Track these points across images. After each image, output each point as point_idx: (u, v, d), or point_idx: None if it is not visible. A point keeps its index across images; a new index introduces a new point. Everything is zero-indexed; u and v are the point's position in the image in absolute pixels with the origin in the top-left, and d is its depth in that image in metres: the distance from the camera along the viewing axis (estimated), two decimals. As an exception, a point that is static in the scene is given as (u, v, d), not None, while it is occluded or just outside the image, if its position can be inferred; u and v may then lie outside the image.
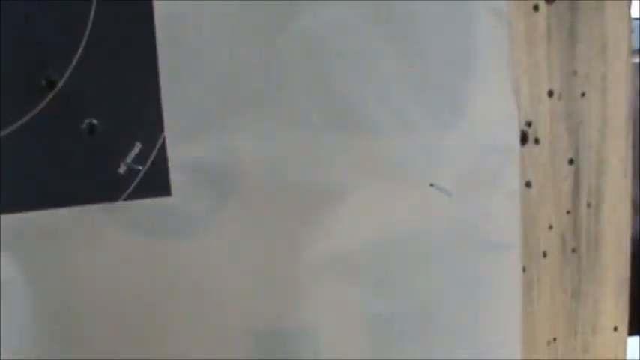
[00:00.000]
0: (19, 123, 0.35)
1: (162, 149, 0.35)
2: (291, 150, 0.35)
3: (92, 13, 0.34)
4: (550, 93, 0.40)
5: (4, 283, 0.35)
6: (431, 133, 0.36)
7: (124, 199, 0.35)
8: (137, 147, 0.35)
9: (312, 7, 0.35)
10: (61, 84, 0.34)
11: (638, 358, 0.37)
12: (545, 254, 0.41)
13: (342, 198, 0.36)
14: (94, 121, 0.35)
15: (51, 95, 0.35)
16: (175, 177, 0.35)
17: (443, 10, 0.36)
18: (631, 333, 0.44)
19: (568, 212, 0.41)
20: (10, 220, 0.35)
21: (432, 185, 0.36)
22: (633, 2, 0.40)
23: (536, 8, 0.39)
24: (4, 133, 0.35)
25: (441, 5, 0.36)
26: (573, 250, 0.41)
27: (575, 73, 0.39)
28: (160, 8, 0.34)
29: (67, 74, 0.34)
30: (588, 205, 0.41)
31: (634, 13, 0.41)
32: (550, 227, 0.41)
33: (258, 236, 0.35)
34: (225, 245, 0.35)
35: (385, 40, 0.35)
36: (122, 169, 0.35)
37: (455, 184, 0.36)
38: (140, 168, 0.35)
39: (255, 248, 0.35)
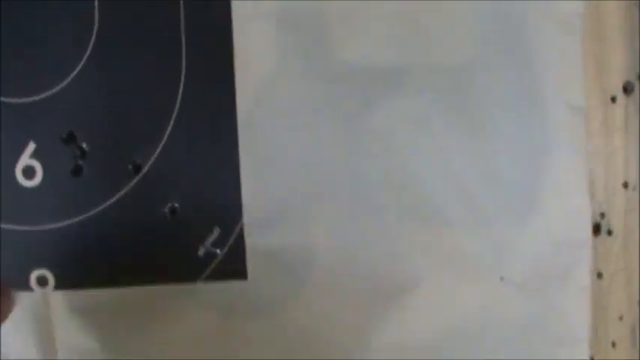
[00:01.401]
0: (105, 205, 0.36)
1: (240, 234, 0.36)
2: (364, 241, 0.36)
3: (178, 100, 0.35)
4: (625, 184, 0.39)
5: (83, 354, 0.37)
6: (504, 227, 0.36)
7: (201, 281, 0.36)
8: (216, 231, 0.36)
9: (386, 103, 0.36)
10: (146, 168, 0.36)
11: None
12: (614, 344, 0.41)
13: (414, 289, 0.36)
14: (176, 205, 0.36)
15: (136, 179, 0.36)
16: (252, 261, 0.36)
17: (518, 104, 0.36)
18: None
19: None
20: (93, 295, 0.36)
21: (502, 279, 0.36)
22: None
23: (613, 100, 0.39)
24: (91, 213, 0.36)
25: (516, 100, 0.36)
26: (643, 340, 0.41)
27: (651, 163, 0.39)
28: (242, 96, 0.35)
29: (152, 159, 0.36)
30: (660, 295, 0.41)
31: None
32: (620, 318, 0.40)
33: (329, 323, 0.36)
34: (297, 330, 0.36)
35: (459, 134, 0.36)
36: (201, 252, 0.36)
37: (526, 278, 0.36)
38: (218, 252, 0.36)
39: (326, 335, 0.36)
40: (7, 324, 0.37)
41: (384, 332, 0.36)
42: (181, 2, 0.35)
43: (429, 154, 0.36)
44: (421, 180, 0.36)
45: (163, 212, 0.36)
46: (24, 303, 0.37)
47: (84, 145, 0.36)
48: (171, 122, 0.36)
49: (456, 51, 0.36)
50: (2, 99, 0.36)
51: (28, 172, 0.36)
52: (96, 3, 0.35)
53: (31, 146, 0.36)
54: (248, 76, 0.35)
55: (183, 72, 0.35)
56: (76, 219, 0.36)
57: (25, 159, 0.36)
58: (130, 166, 0.36)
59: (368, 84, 0.36)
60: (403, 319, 0.36)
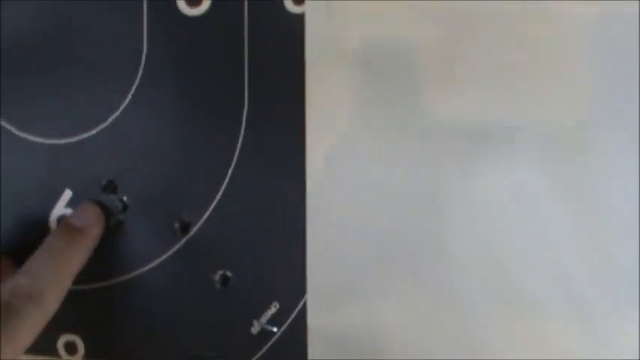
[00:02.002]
0: (147, 267, 0.31)
1: (302, 312, 0.31)
2: (442, 327, 0.31)
3: (237, 151, 0.30)
4: None
5: None
6: (606, 318, 0.31)
7: (254, 362, 0.31)
8: (274, 307, 0.31)
9: (480, 166, 0.30)
10: (195, 229, 0.31)
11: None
12: None
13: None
14: (228, 273, 0.31)
15: (184, 240, 0.31)
16: (313, 343, 0.31)
17: (635, 177, 0.31)
18: None
19: None
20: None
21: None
22: None
23: None
24: (130, 275, 0.31)
25: (634, 172, 0.31)
26: None
27: None
28: (312, 151, 0.30)
29: (203, 218, 0.31)
30: None
31: None
32: None
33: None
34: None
35: (563, 213, 0.30)
36: (255, 329, 0.31)
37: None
38: (275, 330, 0.31)
39: None
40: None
41: None
42: (246, 42, 0.30)
43: (526, 229, 0.30)
44: (513, 259, 0.30)
45: (213, 280, 0.31)
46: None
47: (125, 198, 0.31)
48: (228, 177, 0.30)
49: (568, 109, 0.30)
50: (36, 139, 0.31)
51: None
52: (145, 35, 0.30)
53: (68, 194, 0.31)
54: (321, 128, 0.30)
55: (244, 119, 0.30)
56: (113, 281, 0.32)
57: (61, 208, 0.31)
58: (176, 225, 0.31)
59: (460, 143, 0.30)
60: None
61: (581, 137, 0.30)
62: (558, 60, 0.30)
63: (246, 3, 0.30)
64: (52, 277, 0.29)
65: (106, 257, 0.31)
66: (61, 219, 0.31)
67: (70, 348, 0.32)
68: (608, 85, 0.30)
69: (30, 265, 0.29)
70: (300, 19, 0.30)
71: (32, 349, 0.32)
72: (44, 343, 0.32)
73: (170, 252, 0.31)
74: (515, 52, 0.30)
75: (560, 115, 0.30)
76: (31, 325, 0.27)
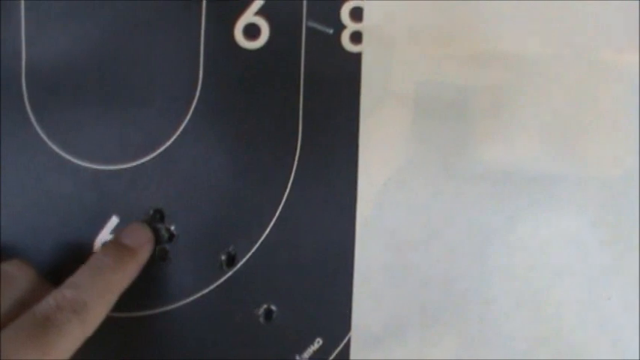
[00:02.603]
0: (190, 298, 0.31)
1: (346, 350, 0.31)
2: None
3: (288, 187, 0.30)
4: None
5: None
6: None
7: (294, 398, 0.31)
8: (317, 343, 0.31)
9: (529, 215, 0.30)
10: (242, 262, 0.31)
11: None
12: None
13: None
14: (273, 307, 0.31)
15: (229, 273, 0.31)
16: (355, 381, 0.31)
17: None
18: None
19: None
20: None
21: None
22: None
23: None
24: (173, 306, 0.31)
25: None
26: None
27: None
28: (363, 192, 0.30)
29: (250, 252, 0.31)
30: None
31: None
32: None
33: None
34: None
35: (612, 257, 0.30)
36: (297, 365, 0.31)
37: None
38: (317, 367, 0.31)
39: None
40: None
41: None
42: (302, 77, 0.30)
43: (577, 279, 0.30)
44: (562, 308, 0.30)
45: (257, 314, 0.31)
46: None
47: (172, 228, 0.31)
48: (278, 212, 0.30)
49: (613, 161, 0.30)
50: (86, 165, 0.31)
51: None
52: (201, 66, 0.30)
53: (114, 221, 0.31)
54: (373, 166, 0.30)
55: (297, 154, 0.30)
56: (155, 310, 0.31)
57: (106, 234, 0.31)
58: (223, 257, 0.31)
59: (509, 191, 0.30)
60: None
61: (625, 186, 0.30)
62: (604, 109, 0.30)
63: (303, 39, 0.30)
64: (98, 291, 0.28)
65: (148, 286, 0.31)
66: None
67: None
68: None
69: (75, 278, 0.28)
70: (357, 57, 0.30)
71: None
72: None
73: (214, 285, 0.31)
74: (564, 100, 0.30)
75: (606, 168, 0.30)
76: (70, 342, 0.26)
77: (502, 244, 0.30)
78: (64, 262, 0.32)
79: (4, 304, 0.27)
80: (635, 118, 0.30)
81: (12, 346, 0.25)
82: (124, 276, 0.29)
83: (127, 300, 0.31)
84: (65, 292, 0.27)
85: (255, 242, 0.31)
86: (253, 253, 0.31)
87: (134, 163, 0.31)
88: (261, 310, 0.31)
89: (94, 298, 0.28)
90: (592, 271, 0.31)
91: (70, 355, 0.27)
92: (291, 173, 0.30)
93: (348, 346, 0.31)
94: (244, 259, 0.31)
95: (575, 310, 0.31)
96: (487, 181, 0.30)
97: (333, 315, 0.30)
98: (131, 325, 0.32)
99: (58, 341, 0.26)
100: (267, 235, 0.30)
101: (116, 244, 0.30)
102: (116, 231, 0.31)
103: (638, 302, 0.31)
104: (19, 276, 0.29)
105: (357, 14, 0.30)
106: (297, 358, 0.31)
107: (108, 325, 0.30)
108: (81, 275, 0.28)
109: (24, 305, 0.27)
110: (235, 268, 0.31)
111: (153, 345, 0.31)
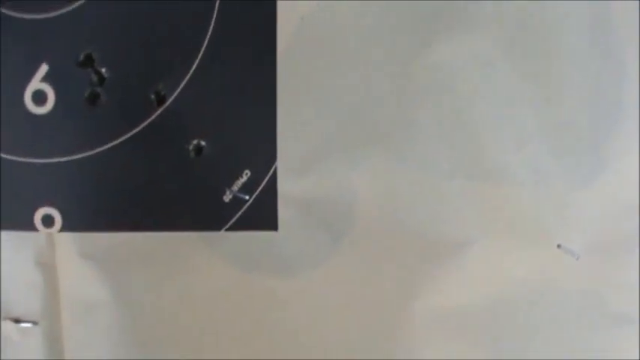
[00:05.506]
0: (123, 138, 0.32)
1: (273, 180, 0.32)
2: (411, 195, 0.32)
3: (212, 21, 0.31)
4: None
5: (89, 306, 0.33)
6: (566, 188, 0.32)
7: (226, 229, 0.32)
8: (245, 175, 0.32)
9: (447, 40, 0.32)
10: (170, 100, 0.32)
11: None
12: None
13: (462, 250, 0.32)
14: (203, 143, 0.32)
15: (159, 111, 0.32)
16: (283, 211, 0.32)
17: (591, 54, 0.32)
18: None
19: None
20: (104, 239, 0.33)
21: (559, 246, 0.33)
22: None
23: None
24: (106, 146, 0.32)
25: (589, 48, 0.32)
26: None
27: None
28: (283, 29, 0.31)
29: (178, 90, 0.32)
30: None
31: None
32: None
33: (366, 283, 0.33)
34: (329, 289, 0.33)
35: (523, 81, 0.32)
36: (227, 197, 0.32)
37: (585, 246, 0.33)
38: (247, 198, 0.32)
39: (362, 296, 0.33)
40: (7, 267, 0.33)
41: (425, 297, 0.33)
42: None
43: (489, 101, 0.32)
44: (480, 128, 0.32)
45: (187, 150, 0.32)
46: (26, 245, 0.33)
47: (103, 70, 0.32)
48: (203, 48, 0.32)
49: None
50: (11, 14, 0.32)
51: (39, 98, 0.32)
52: None
53: (44, 68, 0.32)
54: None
55: (219, -7, 0.31)
56: (89, 152, 0.33)
57: (36, 82, 0.32)
58: (152, 96, 0.32)
59: (426, 16, 0.31)
60: (449, 282, 0.32)
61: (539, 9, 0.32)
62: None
63: None
64: None
65: (83, 129, 0.32)
66: (37, 94, 0.32)
67: (47, 221, 0.33)
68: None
69: None
70: None
71: (9, 224, 0.33)
72: (21, 217, 0.33)
73: (146, 123, 0.32)
74: None
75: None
76: None
77: (418, 68, 0.32)
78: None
79: None
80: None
81: None
82: None
83: (62, 145, 0.32)
84: None
85: (183, 79, 0.32)
86: (181, 91, 0.32)
87: (62, 11, 0.32)
88: (192, 146, 0.32)
89: None
90: (505, 97, 0.32)
91: None
92: (214, 8, 0.31)
93: (275, 176, 0.32)
94: (172, 97, 0.32)
95: (496, 130, 0.32)
96: (405, 7, 0.31)
97: (259, 147, 0.32)
98: (68, 169, 0.33)
99: None
100: (194, 71, 0.32)
101: None
102: (47, 78, 0.32)
103: (554, 122, 0.32)
104: None
105: None
106: (228, 191, 0.32)
107: (45, 170, 0.31)
108: None
109: None
110: (164, 106, 0.32)
111: (89, 186, 0.33)
